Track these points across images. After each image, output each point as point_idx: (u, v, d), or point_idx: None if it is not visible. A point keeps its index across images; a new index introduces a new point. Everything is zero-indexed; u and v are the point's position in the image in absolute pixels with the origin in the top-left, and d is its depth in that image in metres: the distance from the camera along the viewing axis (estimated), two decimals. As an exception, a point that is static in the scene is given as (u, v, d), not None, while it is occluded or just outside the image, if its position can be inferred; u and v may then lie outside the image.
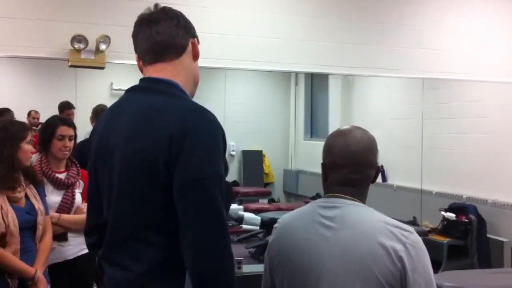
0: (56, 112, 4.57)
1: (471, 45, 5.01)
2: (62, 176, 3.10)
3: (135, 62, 1.70)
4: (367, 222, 1.56)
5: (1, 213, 2.62)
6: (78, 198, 3.10)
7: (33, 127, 4.53)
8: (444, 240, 5.05)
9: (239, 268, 3.55)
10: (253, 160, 6.84)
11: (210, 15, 4.36)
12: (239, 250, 3.84)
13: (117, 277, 1.56)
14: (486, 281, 3.61)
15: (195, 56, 1.68)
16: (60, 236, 3.01)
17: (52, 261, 2.95)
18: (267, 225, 3.88)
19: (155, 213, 1.49)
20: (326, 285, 1.54)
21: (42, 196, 2.87)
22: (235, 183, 6.53)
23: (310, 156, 6.59)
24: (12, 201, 2.70)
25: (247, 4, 4.52)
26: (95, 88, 5.30)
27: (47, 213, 2.86)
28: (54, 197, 3.03)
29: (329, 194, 1.65)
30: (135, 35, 1.66)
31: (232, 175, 6.48)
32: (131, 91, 1.64)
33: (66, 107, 4.73)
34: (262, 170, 6.88)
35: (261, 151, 6.91)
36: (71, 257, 3.05)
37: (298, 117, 7.04)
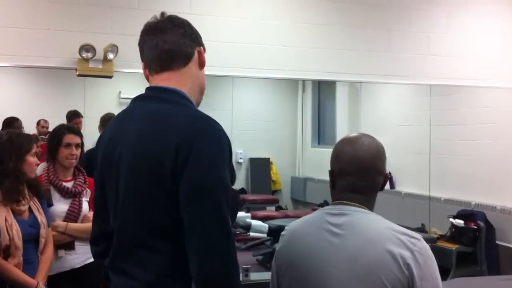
0: (64, 121, 4.58)
1: (478, 51, 5.00)
2: (69, 184, 3.11)
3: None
4: (375, 229, 1.55)
5: (6, 225, 2.63)
6: (85, 206, 3.10)
7: (42, 136, 4.56)
8: (453, 247, 5.01)
9: (247, 276, 3.54)
10: (260, 167, 6.81)
11: (217, 24, 4.39)
12: (246, 258, 3.83)
13: (124, 286, 1.56)
14: (496, 288, 3.58)
15: (201, 64, 1.68)
16: (67, 245, 3.02)
17: (59, 269, 2.96)
18: (275, 233, 3.87)
19: (162, 220, 1.49)
20: (334, 292, 1.53)
21: (45, 208, 2.88)
22: (242, 191, 6.51)
23: (318, 163, 6.57)
24: (16, 213, 2.71)
25: (254, 13, 4.54)
26: (103, 97, 5.31)
27: (49, 225, 2.87)
28: (61, 206, 3.04)
29: (337, 201, 1.65)
30: (141, 44, 1.66)
31: (239, 183, 6.46)
32: (137, 100, 1.65)
33: (74, 116, 4.74)
34: (269, 177, 6.85)
35: (268, 159, 6.89)
36: (78, 266, 3.05)
37: (305, 125, 7.02)
